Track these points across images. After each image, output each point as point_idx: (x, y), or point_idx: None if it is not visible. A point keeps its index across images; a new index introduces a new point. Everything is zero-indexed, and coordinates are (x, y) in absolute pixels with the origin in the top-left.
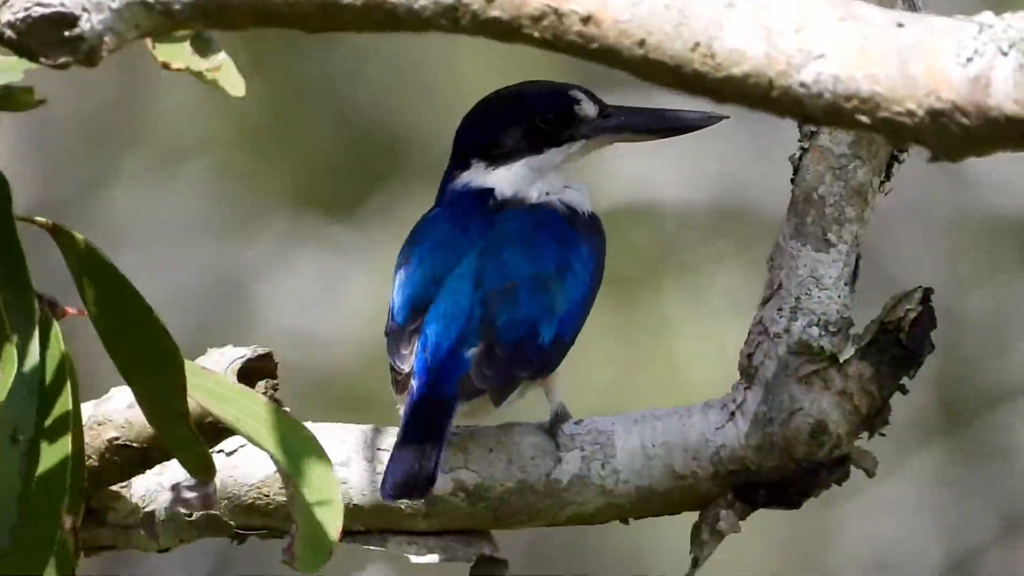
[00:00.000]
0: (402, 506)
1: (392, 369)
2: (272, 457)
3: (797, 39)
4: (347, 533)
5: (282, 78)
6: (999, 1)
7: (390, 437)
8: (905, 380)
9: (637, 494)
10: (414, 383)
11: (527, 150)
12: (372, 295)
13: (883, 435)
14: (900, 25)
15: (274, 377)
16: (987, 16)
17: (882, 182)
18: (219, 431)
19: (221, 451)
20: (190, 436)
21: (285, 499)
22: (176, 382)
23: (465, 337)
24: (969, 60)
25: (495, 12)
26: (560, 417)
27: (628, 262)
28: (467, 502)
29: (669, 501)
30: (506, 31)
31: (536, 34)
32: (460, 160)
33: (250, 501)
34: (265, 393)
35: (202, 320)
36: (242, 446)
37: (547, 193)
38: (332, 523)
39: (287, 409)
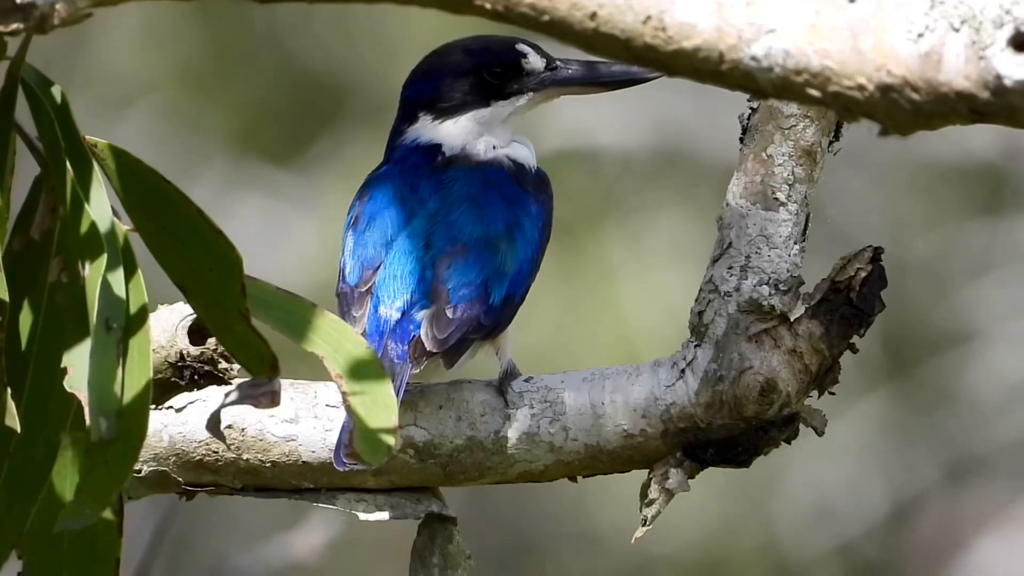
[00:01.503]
0: (350, 468)
1: None
2: (323, 358)
3: (748, 13)
4: (295, 490)
5: (226, 22)
6: None
7: (338, 394)
8: (855, 339)
9: (586, 452)
10: None
11: (474, 103)
12: (316, 241)
13: (832, 394)
14: (851, 0)
15: None
16: None
17: (831, 142)
18: (170, 386)
19: (171, 407)
20: (251, 335)
21: (233, 456)
22: (236, 283)
23: (416, 300)
24: (920, 36)
25: None
26: (510, 375)
27: (569, 208)
28: (417, 459)
29: (618, 459)
30: (458, 3)
31: (488, 5)
32: (407, 114)
33: (198, 458)
34: (215, 350)
35: (143, 269)
36: (191, 403)
37: (494, 147)
38: (388, 415)
39: (235, 366)
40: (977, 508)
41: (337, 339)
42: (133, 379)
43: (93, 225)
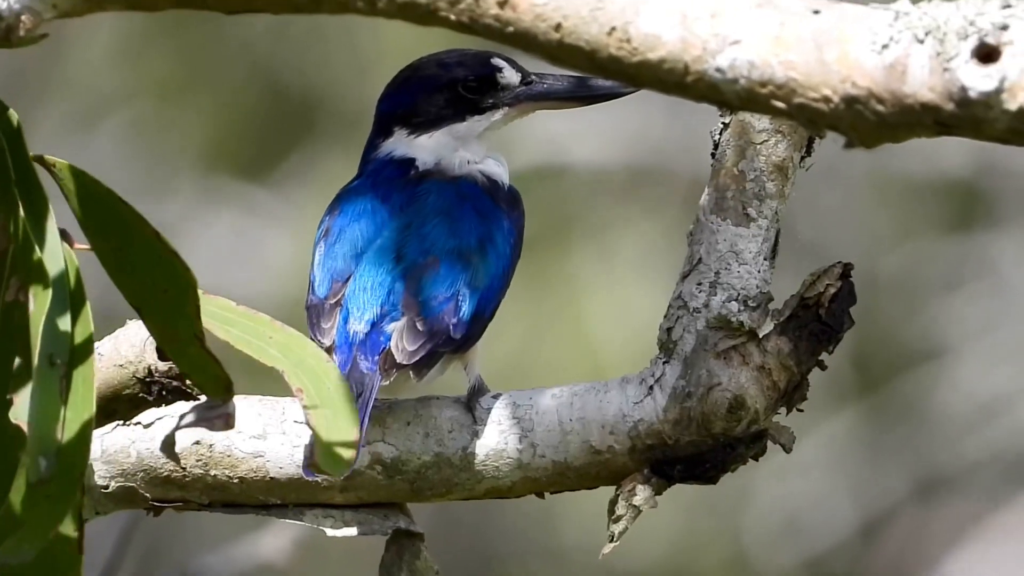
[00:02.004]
0: (319, 479)
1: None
2: (283, 373)
3: (713, 24)
4: (263, 506)
5: (199, 36)
6: None
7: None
8: (824, 355)
9: (554, 468)
10: (336, 357)
11: (449, 118)
12: (288, 256)
13: (801, 411)
14: (816, 12)
15: None
16: (903, 4)
17: (803, 157)
18: (138, 402)
19: (138, 423)
20: (205, 358)
21: (201, 472)
22: (190, 305)
23: (386, 312)
24: (885, 47)
25: None
26: (478, 391)
27: (538, 223)
28: (384, 475)
29: (586, 475)
30: (423, 14)
31: (453, 17)
32: (382, 128)
33: (166, 474)
34: None
35: (105, 286)
36: (159, 418)
37: (468, 162)
38: (349, 429)
39: None
40: (946, 525)
41: (298, 354)
42: (75, 414)
43: (40, 260)
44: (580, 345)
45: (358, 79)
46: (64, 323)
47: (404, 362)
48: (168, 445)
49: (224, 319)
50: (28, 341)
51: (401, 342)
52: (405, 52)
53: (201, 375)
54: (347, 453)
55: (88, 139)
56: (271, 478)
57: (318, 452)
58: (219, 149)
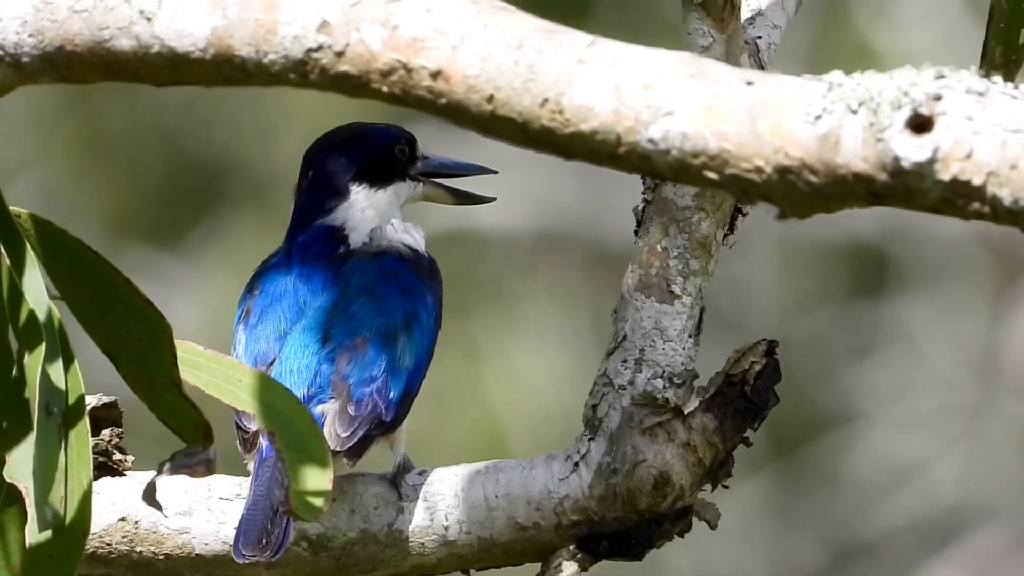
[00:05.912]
0: (247, 562)
1: (238, 427)
2: (255, 416)
3: (646, 96)
4: None
5: (108, 101)
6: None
7: (232, 487)
8: (749, 433)
9: (479, 545)
10: (263, 441)
11: (395, 177)
12: (200, 324)
13: (726, 487)
14: (750, 83)
15: (119, 425)
16: (836, 75)
17: (726, 235)
18: None
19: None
20: (184, 404)
21: (126, 548)
22: (166, 352)
23: (314, 394)
24: (818, 118)
25: (345, 67)
26: (404, 467)
27: (445, 289)
28: (310, 552)
29: (511, 552)
30: (356, 86)
31: (385, 89)
32: (332, 189)
33: (91, 550)
34: (110, 442)
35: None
36: None
37: (393, 228)
38: (322, 471)
39: (130, 457)
40: None
41: (268, 397)
42: (74, 468)
43: (31, 312)
44: (480, 414)
45: (265, 146)
46: (57, 374)
47: (338, 448)
48: (150, 493)
49: (193, 364)
50: (12, 397)
51: (334, 428)
52: (312, 119)
53: (179, 421)
54: (322, 495)
55: None
56: (197, 554)
57: (293, 496)
58: (127, 216)
